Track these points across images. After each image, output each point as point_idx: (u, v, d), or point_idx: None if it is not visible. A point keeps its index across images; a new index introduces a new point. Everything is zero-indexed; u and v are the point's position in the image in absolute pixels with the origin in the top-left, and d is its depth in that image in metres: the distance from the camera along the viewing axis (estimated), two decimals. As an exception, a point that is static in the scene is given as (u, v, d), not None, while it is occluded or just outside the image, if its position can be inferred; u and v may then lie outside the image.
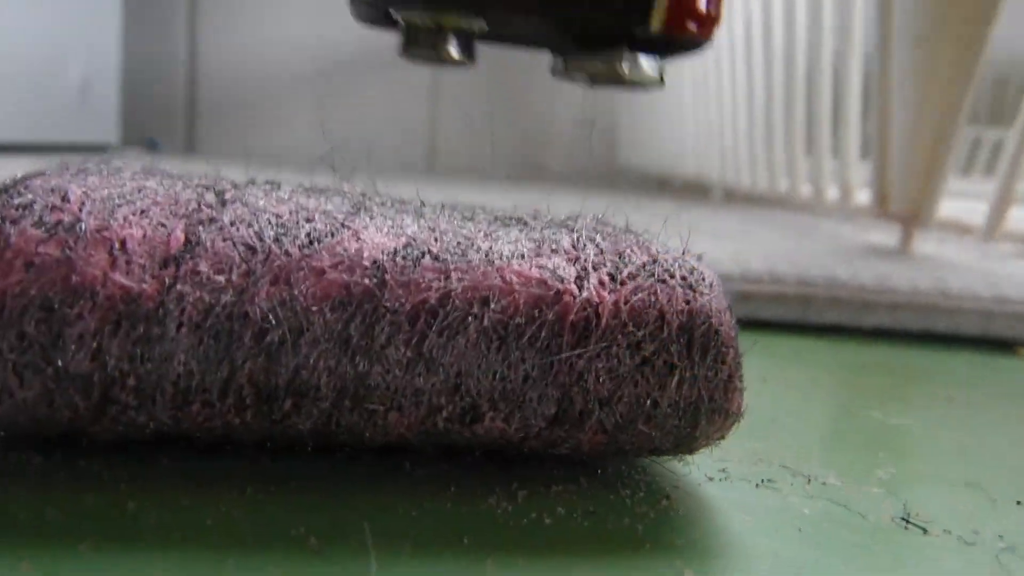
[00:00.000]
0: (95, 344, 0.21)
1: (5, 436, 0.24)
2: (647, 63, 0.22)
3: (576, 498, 0.23)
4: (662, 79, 0.22)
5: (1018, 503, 0.25)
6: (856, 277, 0.53)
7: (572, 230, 0.25)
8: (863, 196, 0.77)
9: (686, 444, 0.24)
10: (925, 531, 0.23)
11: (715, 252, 0.60)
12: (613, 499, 0.24)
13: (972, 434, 0.33)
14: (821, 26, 0.83)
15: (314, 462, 0.24)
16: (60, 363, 0.21)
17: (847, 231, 0.89)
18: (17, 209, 0.22)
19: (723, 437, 0.24)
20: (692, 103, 1.22)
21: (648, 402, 0.23)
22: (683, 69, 1.24)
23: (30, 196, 0.22)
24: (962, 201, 0.85)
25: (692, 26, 0.21)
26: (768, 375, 0.39)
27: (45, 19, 1.36)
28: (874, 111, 0.69)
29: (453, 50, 0.21)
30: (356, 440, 0.23)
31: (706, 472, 0.26)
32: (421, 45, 0.21)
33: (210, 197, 0.24)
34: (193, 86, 1.83)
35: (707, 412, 0.23)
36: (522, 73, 1.69)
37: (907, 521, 0.23)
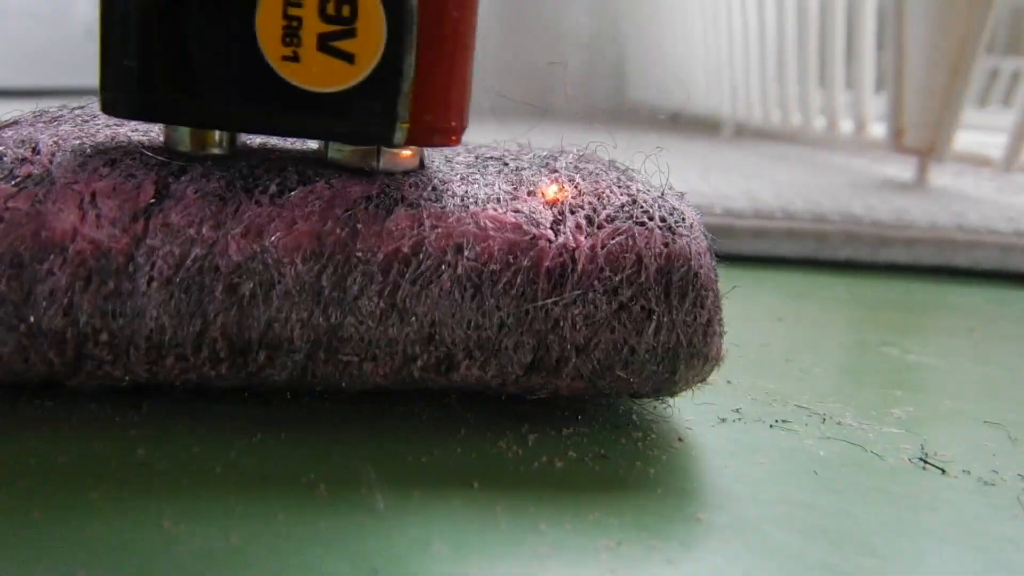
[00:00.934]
0: (66, 300, 0.21)
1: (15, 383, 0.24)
2: (404, 152, 0.23)
3: (587, 441, 0.23)
4: (422, 163, 0.23)
5: (1039, 441, 0.25)
6: (872, 212, 0.52)
7: (553, 170, 0.25)
8: (878, 129, 0.75)
9: (666, 388, 0.24)
10: (944, 472, 0.23)
11: (727, 188, 0.59)
12: (624, 442, 0.23)
13: (991, 370, 0.32)
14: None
15: (323, 407, 0.24)
16: (32, 320, 0.20)
17: (861, 165, 0.88)
18: None
19: (704, 380, 0.24)
20: (703, 37, 1.20)
21: (625, 348, 0.22)
22: (691, 2, 1.22)
23: (0, 148, 0.22)
24: (979, 133, 0.83)
25: (437, 139, 0.22)
26: (782, 313, 0.39)
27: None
28: (889, 43, 0.68)
29: (215, 147, 0.23)
30: (333, 389, 0.23)
31: (719, 413, 0.26)
32: (183, 144, 0.23)
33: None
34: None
35: (686, 357, 0.23)
36: (527, 7, 1.66)
37: (925, 462, 0.23)
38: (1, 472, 0.19)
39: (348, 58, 0.21)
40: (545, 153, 0.27)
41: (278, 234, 0.21)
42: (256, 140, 0.26)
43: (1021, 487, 0.22)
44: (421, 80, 0.21)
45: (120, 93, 0.22)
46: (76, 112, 0.26)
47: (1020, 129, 0.63)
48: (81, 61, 1.44)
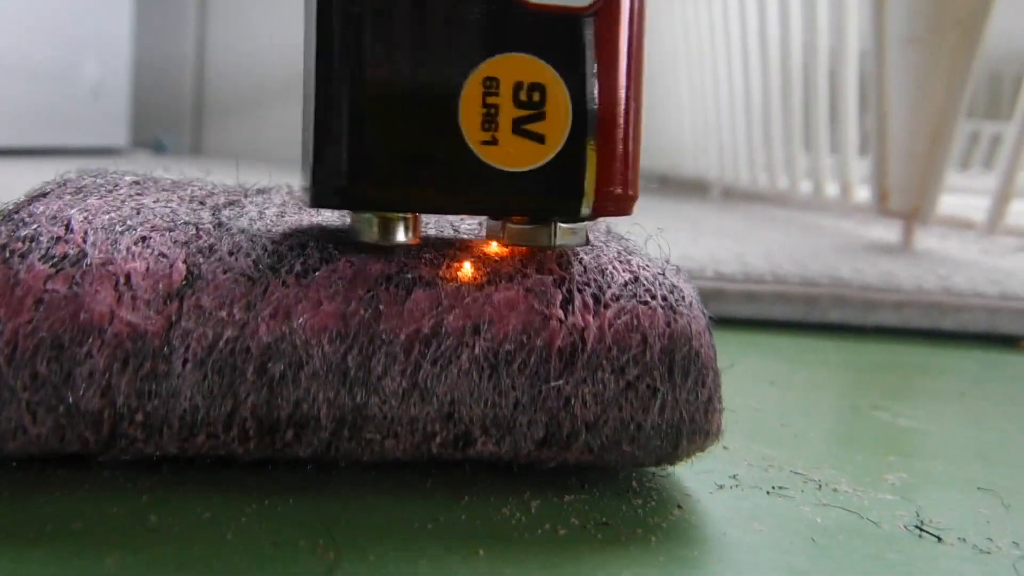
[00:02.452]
0: (104, 381, 0.21)
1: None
2: (574, 229, 0.24)
3: (588, 508, 0.23)
4: (588, 240, 0.25)
5: (1031, 507, 0.25)
6: (860, 275, 0.53)
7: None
8: (863, 192, 0.77)
9: (668, 460, 0.25)
10: (940, 539, 0.23)
11: (717, 251, 0.60)
12: (625, 509, 0.23)
13: (982, 434, 0.33)
14: (816, 25, 0.83)
15: (331, 474, 0.24)
16: (71, 400, 0.21)
17: (848, 227, 0.89)
18: (23, 242, 0.22)
19: (703, 451, 0.25)
20: (690, 102, 1.22)
21: (632, 425, 0.23)
22: (680, 69, 1.24)
23: (35, 227, 0.23)
24: (961, 196, 0.85)
25: (615, 209, 0.24)
26: (775, 377, 0.39)
27: (57, 25, 1.36)
28: (871, 109, 0.69)
29: (400, 236, 0.24)
30: (353, 462, 0.24)
31: (716, 480, 0.26)
32: (368, 236, 0.23)
33: (206, 217, 0.25)
34: (200, 88, 1.83)
35: (688, 433, 0.24)
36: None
37: (921, 529, 0.23)
38: (17, 538, 0.20)
39: (539, 139, 0.23)
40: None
41: (305, 316, 0.22)
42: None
43: (1016, 555, 0.22)
44: (601, 157, 0.23)
45: (329, 184, 0.22)
46: (99, 182, 0.27)
47: (1002, 192, 0.64)
48: (88, 121, 1.46)
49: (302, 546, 0.20)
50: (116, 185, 0.27)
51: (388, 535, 0.21)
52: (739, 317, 0.51)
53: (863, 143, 0.79)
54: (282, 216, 0.26)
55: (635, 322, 0.23)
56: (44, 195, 0.25)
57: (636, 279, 0.24)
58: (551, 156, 0.23)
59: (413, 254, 0.24)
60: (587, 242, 0.25)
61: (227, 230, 0.24)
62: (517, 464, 0.24)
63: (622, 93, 0.23)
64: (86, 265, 0.22)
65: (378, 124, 0.22)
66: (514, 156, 0.22)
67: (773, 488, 0.26)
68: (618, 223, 0.28)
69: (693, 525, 0.23)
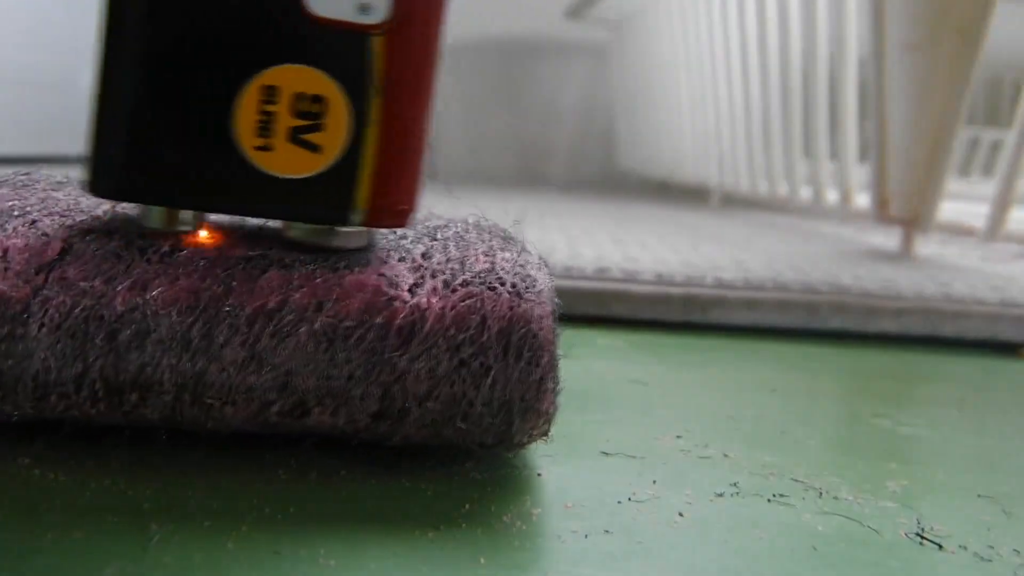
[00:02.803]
0: None
1: (33, 455, 0.24)
2: (357, 231, 0.25)
3: (590, 516, 0.23)
4: (371, 243, 0.26)
5: (1032, 514, 0.25)
6: (860, 282, 0.53)
7: (434, 238, 0.27)
8: (863, 199, 0.77)
9: (507, 440, 0.25)
10: (940, 547, 0.23)
11: (718, 258, 0.60)
12: (626, 517, 0.23)
13: (982, 441, 0.33)
14: (816, 32, 0.83)
15: (330, 481, 0.24)
16: None
17: (848, 234, 0.89)
18: None
19: (544, 434, 0.25)
20: (690, 109, 1.22)
21: (464, 401, 0.24)
22: (679, 75, 1.25)
23: None
24: (961, 202, 0.85)
25: (389, 221, 0.25)
26: (776, 384, 0.39)
27: (55, 34, 1.36)
28: (871, 116, 0.70)
29: (185, 225, 0.25)
30: (200, 428, 0.25)
31: (717, 488, 0.26)
32: (155, 222, 0.25)
33: (106, 206, 0.26)
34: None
35: (520, 411, 0.24)
36: (522, 81, 1.69)
37: (922, 537, 0.23)
38: (18, 549, 0.20)
39: (316, 148, 0.23)
40: (440, 223, 0.29)
41: (160, 289, 0.23)
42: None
43: (1017, 562, 0.22)
44: (377, 170, 0.24)
45: (104, 177, 0.24)
46: (19, 178, 0.29)
47: (1002, 199, 0.64)
48: (85, 130, 1.46)
49: (302, 555, 0.20)
50: (37, 181, 0.28)
51: (389, 543, 0.21)
52: (740, 324, 0.51)
53: (863, 150, 0.79)
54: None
55: (478, 304, 0.24)
56: None
57: (492, 268, 0.26)
58: (326, 166, 0.23)
59: (287, 242, 0.25)
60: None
61: (115, 216, 0.26)
62: (360, 439, 0.25)
63: (407, 111, 0.24)
64: None
65: (152, 122, 0.23)
66: (287, 163, 0.23)
67: (774, 496, 0.26)
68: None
69: (695, 533, 0.23)
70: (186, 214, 0.25)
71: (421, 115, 0.24)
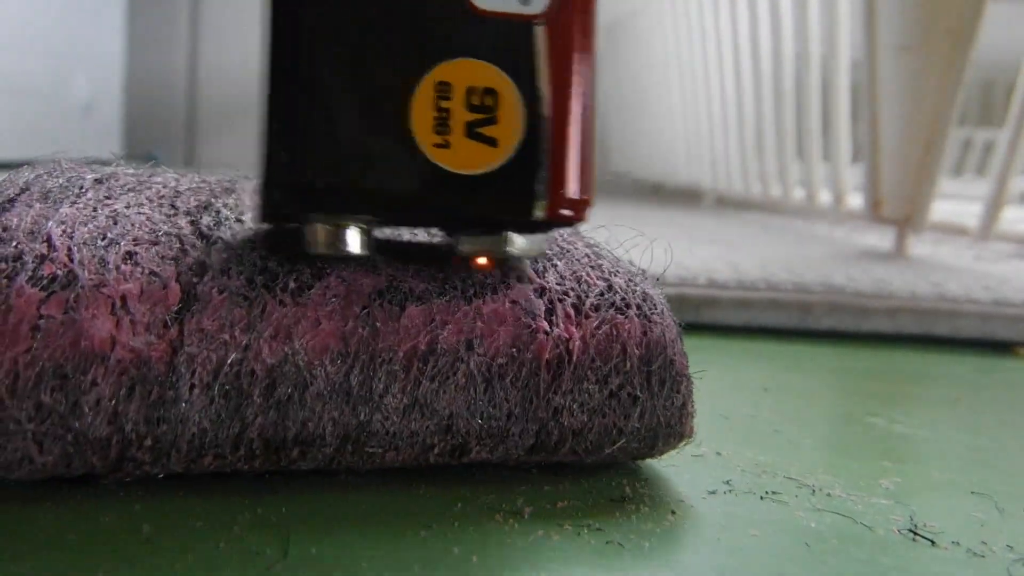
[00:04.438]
0: (112, 409, 0.21)
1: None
2: (529, 239, 0.24)
3: (581, 515, 0.23)
4: (543, 251, 0.25)
5: (1025, 511, 0.25)
6: (853, 282, 0.53)
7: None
8: (856, 200, 0.77)
9: (643, 458, 0.26)
10: (933, 543, 0.23)
11: (711, 259, 0.60)
12: (619, 515, 0.23)
13: (976, 439, 0.33)
14: (808, 34, 0.83)
15: (322, 483, 0.24)
16: (79, 428, 0.21)
17: (841, 235, 0.89)
18: (6, 262, 0.22)
19: (675, 450, 0.26)
20: (683, 111, 1.22)
21: (615, 431, 0.25)
22: (672, 78, 1.25)
23: (15, 244, 0.22)
24: (955, 202, 0.85)
25: (570, 214, 0.24)
26: (769, 383, 0.39)
27: (49, 41, 1.36)
28: (864, 117, 0.70)
29: (353, 247, 0.23)
30: (350, 471, 0.24)
31: (710, 486, 0.26)
32: (323, 244, 0.23)
33: (186, 227, 0.25)
34: (193, 102, 1.83)
35: (664, 436, 0.25)
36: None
37: (915, 533, 0.23)
38: (11, 549, 0.20)
39: (492, 142, 0.23)
40: None
41: (306, 337, 0.22)
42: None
43: (1010, 559, 0.22)
44: (554, 161, 0.23)
45: (281, 194, 0.22)
46: (62, 184, 0.26)
47: (995, 199, 0.64)
48: (80, 135, 1.46)
49: (294, 555, 0.20)
50: (81, 188, 0.26)
51: (381, 543, 0.21)
52: (733, 324, 0.51)
53: (856, 151, 0.79)
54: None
55: (615, 332, 0.25)
56: (11, 202, 0.25)
57: (610, 287, 0.26)
58: (504, 160, 0.23)
59: (399, 266, 0.24)
60: (543, 253, 0.25)
61: (212, 243, 0.24)
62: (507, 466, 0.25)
63: (574, 98, 0.23)
64: (79, 288, 0.21)
65: (328, 127, 0.22)
66: (466, 159, 0.23)
67: (767, 493, 0.26)
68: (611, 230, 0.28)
69: (687, 531, 0.23)
70: (353, 237, 0.23)
71: (589, 101, 0.24)
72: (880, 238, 0.82)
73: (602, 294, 0.25)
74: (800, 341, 0.49)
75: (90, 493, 0.22)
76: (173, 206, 0.26)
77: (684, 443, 0.26)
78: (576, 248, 0.27)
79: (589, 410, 0.24)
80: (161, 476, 0.22)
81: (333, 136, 0.22)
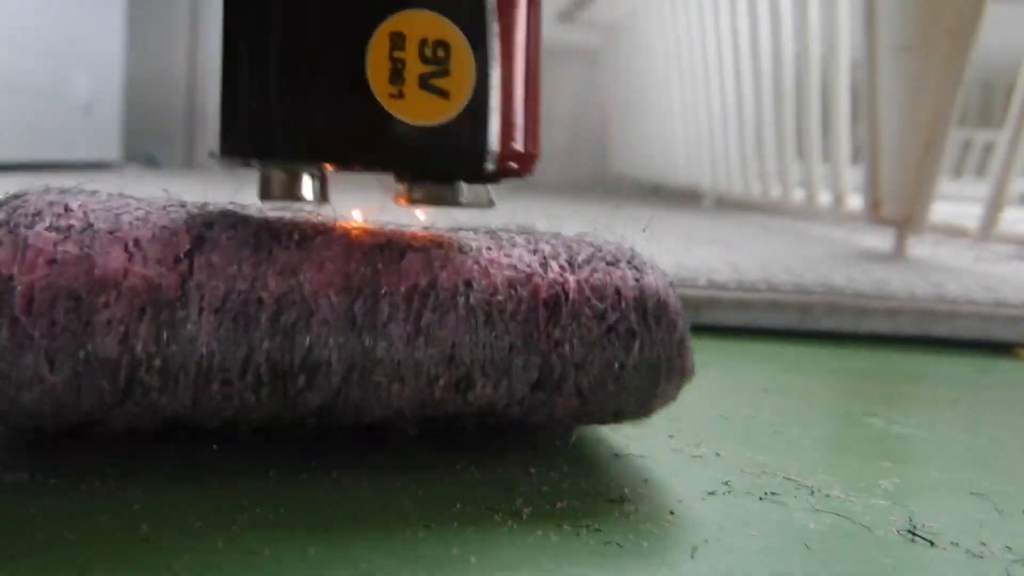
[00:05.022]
0: (123, 330, 0.22)
1: (26, 457, 0.24)
2: (476, 189, 0.25)
3: (580, 515, 0.23)
4: (491, 201, 0.26)
5: (1024, 512, 0.25)
6: (853, 283, 0.53)
7: (519, 233, 0.28)
8: (856, 201, 0.77)
9: (646, 405, 0.26)
10: (932, 544, 0.23)
11: (711, 260, 0.60)
12: (617, 515, 0.23)
13: (975, 440, 0.33)
14: (808, 34, 0.83)
15: (320, 482, 0.24)
16: (90, 347, 0.22)
17: (841, 235, 0.89)
18: (27, 216, 0.23)
19: (674, 399, 0.27)
20: (682, 112, 1.22)
21: (616, 364, 0.25)
22: (672, 79, 1.25)
23: (36, 206, 0.23)
24: (955, 203, 0.85)
25: (518, 166, 0.25)
26: (768, 384, 0.39)
27: (50, 39, 1.36)
28: (863, 118, 0.70)
29: (307, 193, 0.24)
30: (359, 416, 0.24)
31: (709, 486, 0.26)
32: (276, 192, 0.24)
33: (194, 208, 0.25)
34: (192, 102, 1.83)
35: (666, 372, 0.26)
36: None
37: (914, 534, 0.23)
38: (9, 547, 0.20)
39: (444, 94, 0.23)
40: (502, 227, 0.29)
41: (310, 272, 0.23)
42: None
43: (1009, 559, 0.22)
44: (504, 115, 0.24)
45: (237, 135, 0.24)
46: (76, 190, 0.27)
47: (995, 200, 0.64)
48: (80, 135, 1.45)
49: (293, 554, 0.20)
50: (95, 192, 0.27)
51: (380, 542, 0.21)
52: (733, 325, 0.51)
53: (856, 152, 0.79)
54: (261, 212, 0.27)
55: (607, 278, 0.26)
56: (24, 195, 0.25)
57: (600, 249, 0.27)
58: (456, 112, 0.23)
59: (398, 231, 0.26)
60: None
61: (219, 212, 0.25)
62: (510, 416, 0.25)
63: (522, 55, 0.24)
64: (93, 232, 0.23)
65: (284, 76, 0.23)
66: (420, 110, 0.23)
67: (766, 494, 0.26)
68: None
69: (686, 531, 0.23)
70: (307, 188, 0.24)
71: (535, 57, 0.25)
72: (880, 239, 0.82)
73: (592, 255, 0.26)
74: (800, 342, 0.49)
75: (88, 494, 0.22)
76: (182, 205, 0.27)
77: (685, 381, 0.27)
78: (564, 235, 0.29)
79: (588, 343, 0.25)
80: (168, 413, 0.23)
81: (290, 83, 0.23)
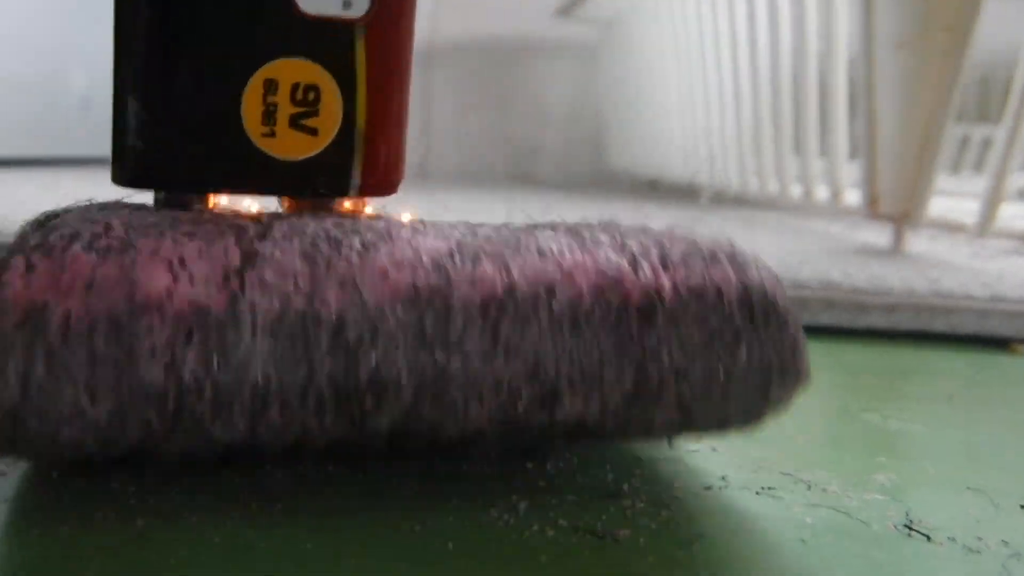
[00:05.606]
0: (169, 356, 0.20)
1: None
2: (347, 204, 0.27)
3: (577, 510, 0.23)
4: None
5: (1021, 507, 0.25)
6: (850, 278, 0.53)
7: (602, 229, 0.26)
8: (853, 196, 0.77)
9: (757, 412, 0.25)
10: (929, 539, 0.23)
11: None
12: (614, 510, 0.23)
13: (972, 435, 0.33)
14: (805, 29, 0.83)
15: (317, 478, 0.24)
16: (134, 376, 0.20)
17: (838, 231, 0.89)
18: (63, 238, 0.21)
19: (789, 405, 0.25)
20: (680, 107, 1.22)
21: (721, 370, 0.23)
22: (669, 73, 1.25)
23: (72, 227, 0.22)
24: (952, 199, 0.85)
25: (380, 191, 0.26)
26: (765, 380, 0.39)
27: (47, 35, 1.35)
28: (861, 113, 0.70)
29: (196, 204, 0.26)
30: (433, 437, 0.23)
31: (706, 481, 0.26)
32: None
33: (246, 223, 0.24)
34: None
35: (778, 375, 0.24)
36: (511, 80, 1.69)
37: (910, 529, 0.23)
38: (5, 542, 0.19)
39: (313, 132, 0.25)
40: (597, 222, 0.28)
41: (373, 284, 0.22)
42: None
43: (1006, 554, 0.22)
44: (368, 147, 0.26)
45: (127, 168, 0.25)
46: (118, 206, 0.26)
47: (993, 195, 0.64)
48: (78, 131, 1.45)
49: (289, 550, 0.20)
50: (141, 207, 0.25)
51: (375, 537, 0.21)
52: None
53: (853, 147, 0.79)
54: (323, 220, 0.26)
55: (706, 277, 0.24)
56: (65, 213, 0.23)
57: (695, 244, 0.25)
58: (323, 147, 0.25)
59: (468, 230, 0.24)
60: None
61: (272, 223, 0.23)
62: (603, 434, 0.24)
63: (387, 93, 0.26)
64: (135, 251, 0.21)
65: (168, 118, 0.24)
66: (290, 147, 0.25)
67: (763, 489, 0.26)
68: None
69: (682, 526, 0.23)
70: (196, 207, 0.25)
71: (402, 96, 0.26)
72: (877, 234, 0.82)
73: (686, 251, 0.24)
74: (797, 337, 0.49)
75: (84, 488, 0.22)
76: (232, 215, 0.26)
77: (801, 385, 0.25)
78: (652, 228, 0.27)
79: (688, 349, 0.23)
80: (221, 444, 0.21)
81: (174, 120, 0.24)
